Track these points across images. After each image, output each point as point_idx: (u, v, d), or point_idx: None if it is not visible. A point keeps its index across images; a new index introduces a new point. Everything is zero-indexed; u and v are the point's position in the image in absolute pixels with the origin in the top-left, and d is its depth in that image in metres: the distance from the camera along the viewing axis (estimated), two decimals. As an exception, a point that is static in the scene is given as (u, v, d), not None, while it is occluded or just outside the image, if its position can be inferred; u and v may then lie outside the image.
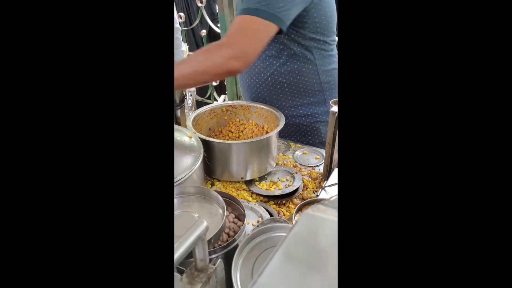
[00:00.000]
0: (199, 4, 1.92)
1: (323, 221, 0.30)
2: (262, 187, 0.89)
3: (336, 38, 1.08)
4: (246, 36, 0.83)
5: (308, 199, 0.81)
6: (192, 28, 2.43)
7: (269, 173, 0.95)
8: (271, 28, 0.84)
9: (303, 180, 0.91)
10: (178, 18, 2.10)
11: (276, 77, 1.06)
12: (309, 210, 0.30)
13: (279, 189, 0.87)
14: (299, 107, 1.10)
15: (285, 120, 0.94)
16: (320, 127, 1.13)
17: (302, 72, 1.04)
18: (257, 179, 0.93)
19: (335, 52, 1.08)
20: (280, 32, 0.86)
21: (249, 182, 0.91)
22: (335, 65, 1.08)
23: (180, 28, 2.09)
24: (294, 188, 0.86)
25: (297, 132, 1.15)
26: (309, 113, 1.11)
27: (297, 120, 1.12)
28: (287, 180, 0.91)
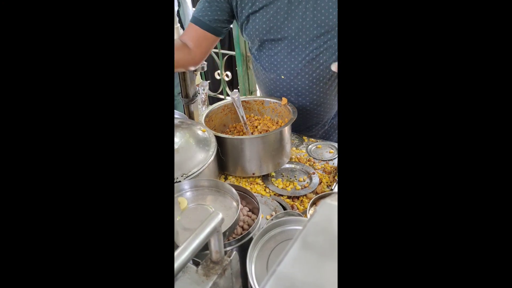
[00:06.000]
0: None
1: (341, 211, 0.29)
2: (279, 185, 0.88)
3: None
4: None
5: (322, 193, 0.81)
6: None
7: (286, 170, 0.94)
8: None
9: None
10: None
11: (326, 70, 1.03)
12: (327, 200, 0.30)
13: (296, 189, 0.86)
14: None
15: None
16: None
17: None
18: (273, 174, 0.92)
19: None
20: None
21: (265, 178, 0.91)
22: None
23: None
24: (311, 190, 0.85)
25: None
26: None
27: None
28: (304, 180, 0.90)
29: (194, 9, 2.16)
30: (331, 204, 0.29)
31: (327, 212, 0.28)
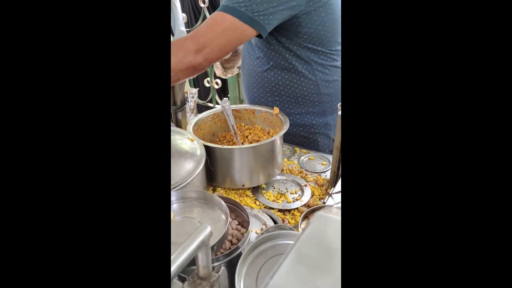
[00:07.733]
0: (202, 5, 1.92)
1: (336, 223, 0.28)
2: (269, 198, 0.86)
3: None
4: (212, 31, 0.81)
5: (315, 206, 0.79)
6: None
7: (277, 181, 0.92)
8: (247, 31, 0.82)
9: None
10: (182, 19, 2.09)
11: (269, 81, 1.05)
12: (321, 212, 0.28)
13: (287, 202, 0.84)
14: (296, 115, 1.08)
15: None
16: (319, 139, 1.11)
17: (297, 80, 1.02)
18: (264, 186, 0.90)
19: (338, 63, 1.05)
20: (259, 36, 0.85)
21: (256, 190, 0.89)
22: (338, 77, 1.05)
23: (185, 31, 2.09)
24: (303, 203, 0.82)
25: (295, 143, 1.12)
26: (306, 123, 1.09)
27: (294, 129, 1.09)
28: (295, 192, 0.88)
29: (184, 15, 2.16)
30: (326, 216, 0.28)
31: (321, 224, 0.27)
